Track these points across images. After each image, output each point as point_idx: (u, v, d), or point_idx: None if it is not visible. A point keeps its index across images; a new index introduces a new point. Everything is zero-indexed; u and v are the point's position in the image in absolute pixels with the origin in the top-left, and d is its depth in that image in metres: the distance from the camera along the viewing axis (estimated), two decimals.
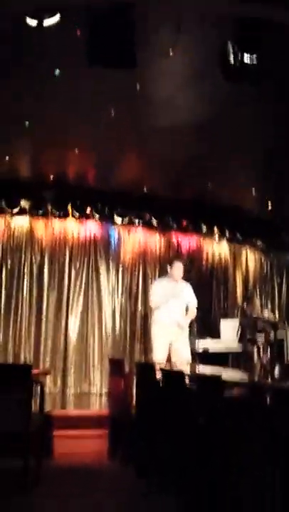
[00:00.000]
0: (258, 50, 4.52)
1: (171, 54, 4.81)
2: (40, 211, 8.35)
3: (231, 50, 4.53)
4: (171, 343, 6.84)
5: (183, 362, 6.46)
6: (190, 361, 6.68)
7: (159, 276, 8.13)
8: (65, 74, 5.08)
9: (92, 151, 7.09)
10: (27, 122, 6.14)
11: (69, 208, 8.43)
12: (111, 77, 4.99)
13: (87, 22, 4.27)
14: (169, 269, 7.10)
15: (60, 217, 8.47)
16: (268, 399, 3.48)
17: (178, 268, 6.98)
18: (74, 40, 4.42)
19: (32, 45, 4.60)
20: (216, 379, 4.11)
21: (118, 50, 4.41)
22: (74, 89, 5.38)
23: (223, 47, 4.52)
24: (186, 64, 5.04)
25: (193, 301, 7.05)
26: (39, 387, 5.57)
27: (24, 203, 8.27)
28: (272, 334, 6.24)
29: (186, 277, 7.42)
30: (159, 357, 6.68)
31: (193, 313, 7.04)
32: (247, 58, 4.53)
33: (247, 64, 4.49)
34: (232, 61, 4.49)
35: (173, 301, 6.86)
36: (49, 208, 8.35)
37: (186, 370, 5.39)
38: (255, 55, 4.52)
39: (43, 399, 5.60)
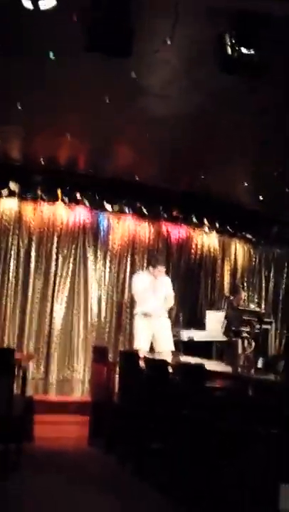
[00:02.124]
0: (256, 44, 4.49)
1: (168, 43, 4.76)
2: (29, 195, 8.25)
3: (228, 42, 4.49)
4: (153, 333, 6.86)
5: (166, 352, 6.48)
6: (173, 350, 6.70)
7: (147, 266, 8.14)
8: (59, 58, 5.01)
9: (85, 136, 7.01)
10: (19, 104, 6.07)
11: (59, 192, 8.34)
12: (106, 64, 4.92)
13: (84, 7, 4.21)
14: (151, 269, 7.16)
15: (49, 201, 8.37)
16: (250, 390, 3.50)
17: (159, 271, 7.09)
18: (70, 25, 4.35)
19: (27, 27, 4.52)
20: (199, 369, 4.13)
21: (115, 37, 4.36)
22: (68, 74, 5.30)
23: (220, 38, 4.48)
24: (182, 54, 4.97)
25: (170, 292, 7.15)
26: (22, 372, 5.56)
27: (13, 186, 8.16)
28: (257, 326, 6.26)
29: (174, 268, 7.44)
30: (141, 347, 6.69)
31: (170, 301, 7.12)
32: (245, 50, 4.49)
33: (244, 56, 4.46)
34: (229, 52, 4.45)
35: (152, 294, 6.92)
36: (38, 191, 8.25)
37: (169, 360, 5.39)
38: (252, 48, 4.49)
39: (25, 383, 5.59)
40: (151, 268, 7.16)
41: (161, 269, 7.07)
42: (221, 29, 4.39)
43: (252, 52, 4.44)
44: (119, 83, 5.40)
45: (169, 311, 7.21)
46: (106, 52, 4.49)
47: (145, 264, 8.48)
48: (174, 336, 7.06)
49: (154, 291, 6.94)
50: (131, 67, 5.11)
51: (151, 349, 6.77)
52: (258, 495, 3.10)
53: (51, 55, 5.00)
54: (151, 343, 6.86)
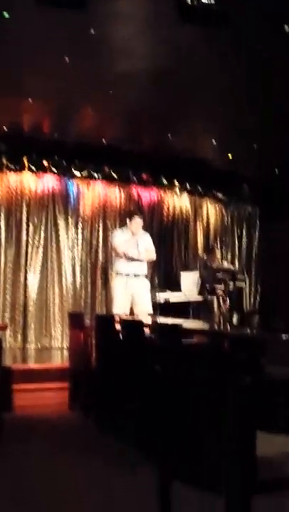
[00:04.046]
0: None
1: None
2: None
3: None
4: (132, 295, 6.83)
5: (144, 314, 6.46)
6: (151, 313, 6.68)
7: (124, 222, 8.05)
8: (16, 16, 4.81)
9: (48, 100, 6.86)
10: None
11: (25, 160, 8.18)
12: (64, 20, 4.77)
13: None
14: (128, 223, 7.05)
15: (15, 170, 8.22)
16: (226, 345, 3.51)
17: (136, 223, 6.95)
18: None
19: None
20: (175, 327, 4.12)
21: None
22: (27, 34, 5.13)
23: None
24: (141, 5, 4.83)
25: (151, 246, 7.05)
26: None
27: None
28: (231, 284, 6.29)
29: (148, 231, 7.38)
30: (120, 309, 6.66)
31: (151, 254, 7.03)
32: None
33: (204, 5, 4.36)
34: (189, 1, 4.35)
35: (133, 248, 6.84)
36: (4, 161, 8.08)
37: (148, 321, 5.39)
38: None
39: (0, 353, 5.55)
40: (128, 221, 7.05)
41: (138, 220, 6.97)
42: None
43: (212, 1, 4.36)
44: (79, 40, 5.26)
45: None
46: (58, 5, 4.35)
47: (117, 228, 8.40)
48: (151, 298, 7.04)
49: (134, 246, 6.86)
50: (90, 23, 4.95)
51: (131, 312, 6.75)
52: (236, 444, 3.13)
53: (5, 14, 4.81)
54: (131, 305, 6.83)
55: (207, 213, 9.84)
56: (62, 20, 4.76)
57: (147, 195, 9.20)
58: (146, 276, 7.02)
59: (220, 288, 6.77)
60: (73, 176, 8.55)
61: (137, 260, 6.84)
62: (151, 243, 7.09)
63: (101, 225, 8.78)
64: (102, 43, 5.29)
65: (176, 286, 8.01)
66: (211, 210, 9.89)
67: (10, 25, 4.91)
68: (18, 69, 5.79)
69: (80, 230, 8.64)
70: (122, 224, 7.85)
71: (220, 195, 9.72)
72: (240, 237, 10.14)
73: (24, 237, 8.27)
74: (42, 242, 8.37)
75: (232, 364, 3.40)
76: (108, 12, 4.80)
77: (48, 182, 8.47)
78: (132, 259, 6.80)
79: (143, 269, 6.95)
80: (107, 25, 5.07)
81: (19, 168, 8.19)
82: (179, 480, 3.32)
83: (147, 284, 6.98)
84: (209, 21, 4.47)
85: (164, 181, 9.09)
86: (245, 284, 8.24)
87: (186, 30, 4.80)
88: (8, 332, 7.65)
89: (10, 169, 8.17)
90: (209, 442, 3.33)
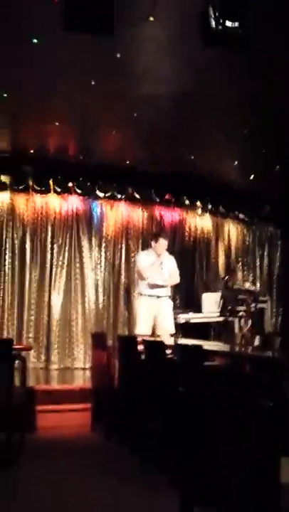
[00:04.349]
0: (240, 17, 4.45)
1: (150, 19, 4.70)
2: (21, 186, 8.22)
3: (212, 15, 4.45)
4: (155, 315, 6.83)
5: (167, 335, 6.46)
6: (174, 333, 6.68)
7: (142, 250, 8.11)
8: (43, 43, 4.95)
9: (73, 123, 6.99)
10: (5, 94, 6.02)
11: (50, 182, 8.32)
12: (90, 46, 4.88)
13: None
14: (153, 244, 7.07)
15: (41, 192, 8.35)
16: (247, 367, 3.48)
17: (162, 244, 6.98)
18: (51, 5, 4.31)
19: (8, 10, 4.46)
20: (197, 348, 4.12)
21: (95, 16, 4.34)
22: (54, 60, 5.26)
23: (204, 11, 4.44)
24: (166, 31, 4.93)
25: (175, 269, 7.05)
26: (21, 362, 5.55)
27: (4, 178, 8.15)
28: (253, 305, 6.27)
29: (170, 251, 7.42)
30: (143, 330, 6.67)
31: (175, 278, 7.03)
32: (229, 23, 4.46)
33: (228, 29, 4.42)
34: (213, 26, 4.42)
35: (156, 274, 6.85)
36: (30, 182, 8.22)
37: (170, 342, 5.39)
38: (237, 21, 4.45)
39: (24, 373, 5.59)
40: (153, 243, 7.07)
41: (163, 242, 6.99)
42: (204, 2, 4.36)
43: (236, 25, 4.41)
44: (105, 65, 5.35)
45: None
46: (86, 29, 4.45)
47: (140, 249, 8.42)
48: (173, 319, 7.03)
49: (158, 268, 6.88)
50: (116, 48, 5.06)
51: (153, 332, 6.75)
52: (258, 470, 3.10)
53: (34, 40, 4.95)
54: (154, 326, 6.83)
55: (229, 233, 9.85)
56: (89, 45, 4.86)
57: (169, 215, 9.25)
58: (170, 297, 7.03)
59: (241, 309, 6.74)
60: (97, 197, 8.65)
61: (162, 286, 6.86)
62: (176, 266, 7.10)
63: (124, 245, 8.83)
64: (127, 66, 5.39)
65: (197, 307, 7.98)
66: (232, 231, 9.90)
67: (36, 49, 5.04)
68: (45, 93, 5.92)
69: (103, 251, 8.70)
70: (145, 244, 7.89)
71: (241, 215, 9.72)
72: (261, 258, 10.12)
73: (48, 258, 8.37)
74: (66, 262, 8.45)
75: (254, 387, 3.39)
76: (134, 37, 4.90)
77: (72, 203, 8.59)
78: (156, 285, 6.83)
79: (166, 291, 6.96)
80: (132, 49, 5.18)
81: (45, 190, 8.32)
82: (200, 506, 3.30)
83: (170, 304, 6.99)
84: (232, 45, 4.53)
85: (186, 202, 9.12)
86: (267, 305, 8.18)
87: (209, 54, 4.87)
88: (31, 352, 7.70)
89: (36, 191, 8.31)
90: (231, 466, 3.31)
